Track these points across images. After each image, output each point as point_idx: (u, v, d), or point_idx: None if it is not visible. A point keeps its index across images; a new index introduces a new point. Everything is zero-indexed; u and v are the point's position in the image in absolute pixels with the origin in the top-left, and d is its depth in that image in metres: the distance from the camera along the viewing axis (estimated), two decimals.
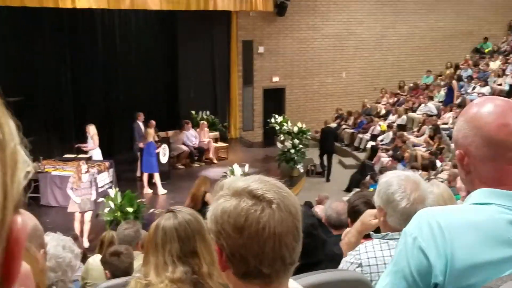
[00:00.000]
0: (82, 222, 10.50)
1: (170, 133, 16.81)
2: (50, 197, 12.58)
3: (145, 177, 13.53)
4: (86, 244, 10.10)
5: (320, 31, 21.12)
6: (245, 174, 11.79)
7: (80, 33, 16.37)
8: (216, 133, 18.36)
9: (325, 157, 16.60)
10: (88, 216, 10.51)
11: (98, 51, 16.91)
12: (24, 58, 14.90)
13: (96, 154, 13.66)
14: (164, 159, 14.10)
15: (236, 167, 11.88)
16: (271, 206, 1.25)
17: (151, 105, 17.53)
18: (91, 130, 13.51)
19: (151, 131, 13.63)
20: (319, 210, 6.02)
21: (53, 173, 12.68)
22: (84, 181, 10.58)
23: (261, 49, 20.28)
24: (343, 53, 21.68)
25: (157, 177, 13.49)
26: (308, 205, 9.17)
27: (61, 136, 15.89)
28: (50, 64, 15.69)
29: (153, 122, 15.10)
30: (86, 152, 13.66)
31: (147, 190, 13.52)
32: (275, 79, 20.81)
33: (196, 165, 16.38)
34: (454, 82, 19.27)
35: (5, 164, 0.55)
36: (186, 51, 18.66)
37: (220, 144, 17.76)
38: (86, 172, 10.66)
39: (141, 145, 14.51)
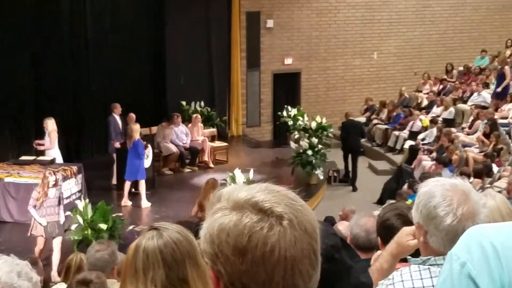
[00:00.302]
0: (44, 250, 10.27)
1: (154, 129, 16.87)
2: (3, 210, 12.65)
3: (127, 185, 13.57)
4: (54, 275, 9.94)
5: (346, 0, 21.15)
6: (249, 182, 11.81)
7: (43, 8, 16.44)
8: (213, 130, 18.41)
9: (350, 159, 16.58)
10: (56, 243, 10.19)
11: (64, 30, 16.99)
12: None
13: (55, 155, 13.70)
14: (147, 162, 14.13)
15: (237, 173, 11.91)
16: (282, 222, 1.25)
17: (131, 95, 17.62)
18: (50, 125, 13.53)
19: (137, 126, 13.65)
20: (343, 227, 6.02)
21: (7, 179, 12.75)
22: (51, 197, 10.21)
23: (270, 23, 20.31)
24: (375, 28, 21.68)
25: (142, 186, 13.54)
26: (329, 221, 9.16)
27: (17, 134, 15.99)
28: (4, 45, 15.78)
29: (132, 116, 15.14)
30: (43, 152, 13.72)
31: (126, 202, 13.56)
32: (288, 61, 20.83)
33: (188, 170, 16.44)
34: (507, 68, 19.06)
35: None
36: (175, 26, 18.73)
37: (217, 143, 17.80)
38: (53, 185, 10.23)
39: (117, 144, 14.56)
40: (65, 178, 12.89)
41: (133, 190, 13.78)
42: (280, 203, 1.28)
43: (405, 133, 18.71)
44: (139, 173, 13.48)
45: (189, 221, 10.17)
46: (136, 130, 13.51)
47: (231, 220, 1.27)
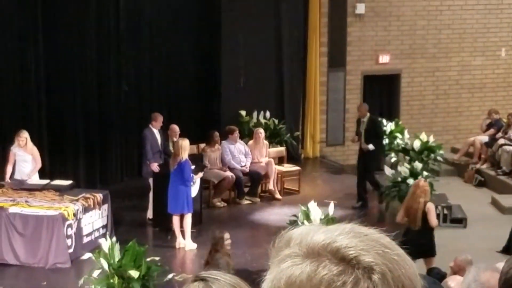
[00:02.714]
0: None
1: (204, 147, 16.98)
2: (6, 249, 12.87)
3: (176, 221, 13.75)
4: None
5: None
6: (328, 220, 11.76)
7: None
8: (281, 149, 18.44)
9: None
10: None
11: (90, 23, 17.36)
12: None
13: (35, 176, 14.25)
14: (193, 190, 14.27)
15: (313, 207, 11.86)
16: (371, 276, 1.25)
17: (174, 102, 17.85)
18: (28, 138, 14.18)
19: (186, 142, 13.80)
20: (455, 284, 5.91)
21: (12, 210, 12.98)
22: None
23: (360, 8, 20.27)
24: (503, 16, 21.40)
25: (188, 221, 13.69)
26: (436, 275, 9.03)
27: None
28: (10, 35, 16.32)
29: (175, 128, 15.31)
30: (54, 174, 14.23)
31: (181, 243, 13.73)
32: (384, 59, 20.73)
33: (246, 201, 16.49)
34: None
35: None
36: (234, 12, 18.89)
37: (287, 167, 17.79)
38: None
39: (155, 167, 14.73)
40: (86, 209, 13.12)
41: (172, 226, 13.92)
42: (369, 251, 1.27)
43: None
44: (185, 205, 13.62)
45: (247, 270, 10.22)
46: (185, 147, 13.61)
47: (303, 271, 1.27)
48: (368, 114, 16.21)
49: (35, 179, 14.21)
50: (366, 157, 16.29)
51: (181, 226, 13.82)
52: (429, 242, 12.07)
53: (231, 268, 10.11)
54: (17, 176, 14.15)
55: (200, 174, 14.41)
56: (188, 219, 13.68)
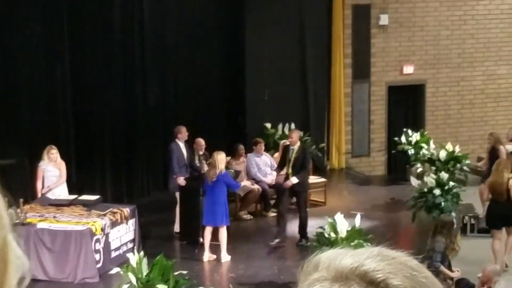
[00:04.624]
0: None
1: (229, 160, 17.00)
2: (35, 265, 12.90)
3: (208, 233, 13.78)
4: None
5: None
6: (355, 232, 11.73)
7: (86, 7, 17.03)
8: None
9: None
10: None
11: (115, 41, 17.47)
12: None
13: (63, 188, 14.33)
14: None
15: (339, 218, 11.85)
16: None
17: (199, 116, 17.89)
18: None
19: (223, 156, 13.97)
20: None
21: (40, 225, 13.06)
22: None
23: (384, 19, 20.25)
24: None
25: (224, 234, 13.76)
26: (465, 285, 8.99)
27: None
28: (37, 53, 16.43)
29: (201, 142, 15.36)
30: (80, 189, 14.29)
31: (209, 256, 13.77)
32: (408, 69, 20.67)
33: (273, 214, 16.45)
34: None
35: None
36: (258, 24, 18.95)
37: (313, 178, 17.75)
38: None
39: (181, 181, 14.76)
40: (113, 224, 13.17)
41: (200, 239, 13.93)
42: (397, 274, 1.27)
43: None
44: (224, 217, 13.69)
45: (275, 282, 10.18)
46: (222, 160, 13.81)
47: None
48: (299, 142, 15.04)
49: (64, 194, 14.28)
50: (294, 192, 14.90)
51: (214, 239, 13.81)
52: None
53: None
54: (46, 191, 14.25)
55: (244, 179, 14.51)
56: (224, 231, 13.73)
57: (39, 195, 14.18)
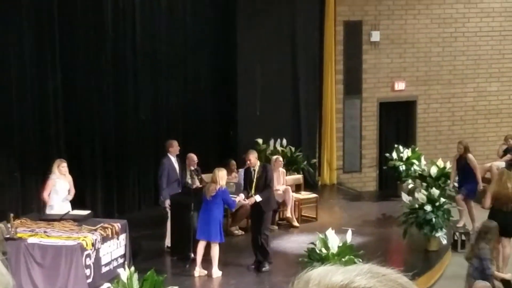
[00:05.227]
0: None
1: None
2: (25, 280, 12.86)
3: (201, 247, 13.74)
4: None
5: (479, 4, 20.92)
6: (346, 248, 11.71)
7: (78, 14, 17.04)
8: (299, 177, 18.41)
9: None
10: None
11: (106, 53, 17.49)
12: None
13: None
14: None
15: (330, 234, 11.82)
16: None
17: (190, 131, 17.87)
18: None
19: (224, 172, 13.90)
20: None
21: (30, 240, 12.96)
22: None
23: (375, 36, 20.30)
24: None
25: (217, 249, 13.72)
26: None
27: (44, 177, 16.38)
28: (30, 71, 16.37)
29: (193, 157, 15.33)
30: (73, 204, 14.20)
31: (200, 271, 13.70)
32: (400, 85, 20.71)
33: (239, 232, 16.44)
34: None
35: None
36: (250, 39, 18.98)
37: (304, 194, 17.75)
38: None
39: (167, 203, 14.76)
40: (104, 239, 13.11)
41: (191, 255, 13.88)
42: None
43: None
44: (219, 233, 13.63)
45: None
46: (222, 176, 13.71)
47: None
48: (258, 162, 14.53)
49: (68, 208, 14.18)
50: (258, 211, 14.28)
51: (206, 254, 13.76)
52: None
53: None
54: (54, 202, 14.10)
55: (242, 195, 14.40)
56: (217, 247, 13.68)
57: (49, 204, 14.06)
